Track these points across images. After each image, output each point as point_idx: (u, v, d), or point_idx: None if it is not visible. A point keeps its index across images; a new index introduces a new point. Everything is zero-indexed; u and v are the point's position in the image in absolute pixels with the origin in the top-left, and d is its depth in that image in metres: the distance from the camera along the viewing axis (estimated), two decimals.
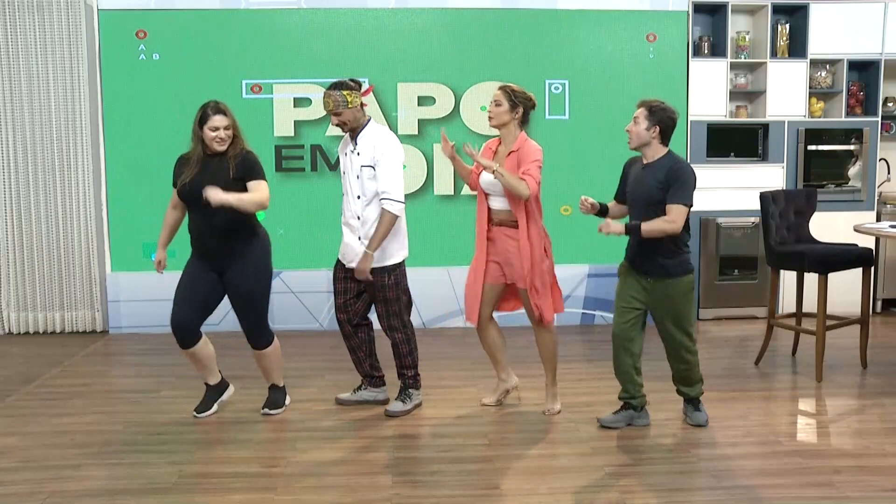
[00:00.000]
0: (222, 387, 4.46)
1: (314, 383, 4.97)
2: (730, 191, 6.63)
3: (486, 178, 4.18)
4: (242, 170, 4.06)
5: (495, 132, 4.28)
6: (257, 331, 4.25)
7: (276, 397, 4.45)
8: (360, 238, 4.25)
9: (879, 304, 6.92)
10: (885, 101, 6.88)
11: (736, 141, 6.65)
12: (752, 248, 6.60)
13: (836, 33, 6.57)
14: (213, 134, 4.00)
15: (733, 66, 6.67)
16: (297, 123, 6.32)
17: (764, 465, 3.68)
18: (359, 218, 4.24)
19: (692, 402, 4.20)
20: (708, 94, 6.54)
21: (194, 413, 4.35)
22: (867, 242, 6.21)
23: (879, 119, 6.70)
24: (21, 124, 6.19)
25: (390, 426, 4.22)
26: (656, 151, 3.91)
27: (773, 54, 6.64)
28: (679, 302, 3.97)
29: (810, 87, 6.68)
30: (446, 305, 6.46)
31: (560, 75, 6.43)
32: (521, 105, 4.13)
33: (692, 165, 6.41)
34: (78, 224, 6.29)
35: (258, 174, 4.12)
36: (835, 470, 3.61)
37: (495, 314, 4.42)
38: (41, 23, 6.13)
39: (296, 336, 6.18)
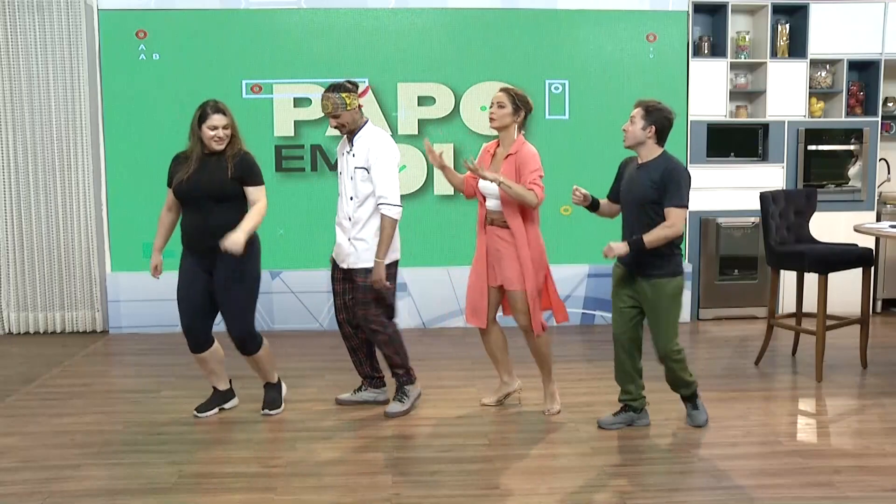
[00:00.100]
0: (228, 395, 4.46)
1: (314, 383, 4.97)
2: (730, 191, 6.63)
3: (483, 182, 4.18)
4: (241, 171, 4.06)
5: (495, 133, 4.28)
6: (247, 337, 4.19)
7: (272, 396, 4.44)
8: (349, 239, 4.24)
9: (879, 304, 6.92)
10: (885, 101, 6.88)
11: (736, 141, 6.65)
12: (752, 248, 6.60)
13: (836, 33, 6.57)
14: (212, 133, 4.00)
15: (733, 66, 6.67)
16: (297, 123, 6.32)
17: (764, 465, 3.68)
18: (350, 219, 4.24)
19: (690, 401, 4.19)
20: (708, 94, 6.54)
21: (195, 412, 4.35)
22: (867, 242, 6.21)
23: (879, 119, 6.70)
24: (21, 124, 6.19)
25: (390, 426, 4.22)
26: (652, 151, 3.90)
27: (773, 54, 6.64)
28: (666, 303, 3.92)
29: (810, 87, 6.68)
30: (446, 305, 6.46)
31: (560, 75, 6.43)
32: (523, 109, 4.15)
33: (692, 165, 6.53)
34: (78, 224, 6.29)
35: (258, 178, 4.14)
36: (835, 470, 3.61)
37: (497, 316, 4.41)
38: (41, 23, 6.13)
39: (296, 336, 6.18)
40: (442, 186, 6.40)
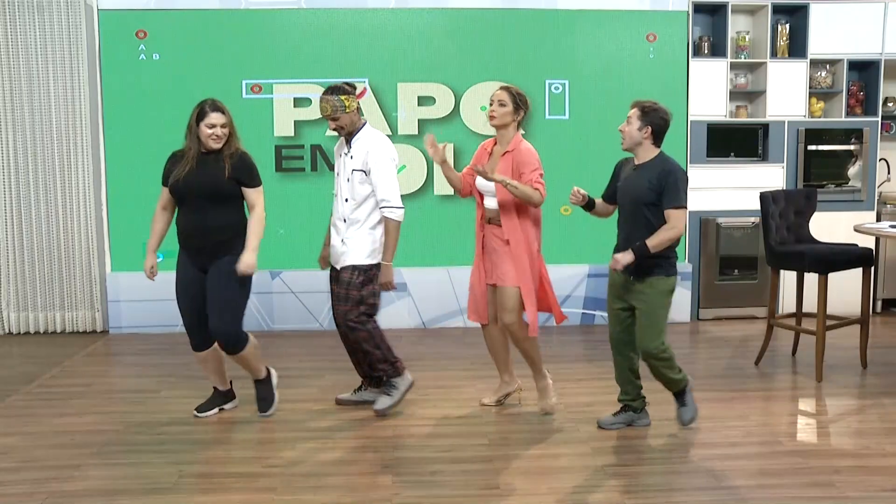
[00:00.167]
0: (229, 396, 4.46)
1: (314, 383, 4.97)
2: (730, 191, 6.63)
3: (480, 179, 4.19)
4: (239, 172, 4.07)
5: (494, 132, 4.28)
6: (232, 334, 4.10)
7: (264, 393, 4.37)
8: (342, 240, 4.24)
9: (879, 304, 6.93)
10: (885, 101, 6.88)
11: (736, 141, 6.65)
12: (752, 248, 6.60)
13: (836, 33, 6.57)
14: (210, 131, 4.00)
15: (733, 66, 6.67)
16: (297, 123, 6.32)
17: (764, 465, 3.68)
18: (345, 221, 4.24)
19: (678, 397, 4.13)
20: (708, 94, 6.54)
21: (195, 412, 4.34)
22: (867, 242, 6.21)
23: (879, 119, 6.70)
24: (21, 124, 6.19)
25: (390, 426, 4.22)
26: (648, 152, 3.90)
27: (773, 54, 6.64)
28: (657, 300, 3.88)
29: (810, 87, 6.68)
30: (446, 305, 6.46)
31: (560, 75, 6.43)
32: (523, 108, 4.15)
33: (692, 165, 6.53)
34: (78, 224, 6.29)
35: (256, 180, 4.15)
36: (835, 470, 3.61)
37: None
38: (41, 23, 6.13)
39: (296, 336, 6.18)
40: (442, 186, 6.40)
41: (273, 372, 4.47)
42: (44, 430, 4.17)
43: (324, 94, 4.18)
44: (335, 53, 6.30)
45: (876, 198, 6.77)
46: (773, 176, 6.65)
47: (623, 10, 6.42)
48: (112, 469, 3.68)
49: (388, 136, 6.25)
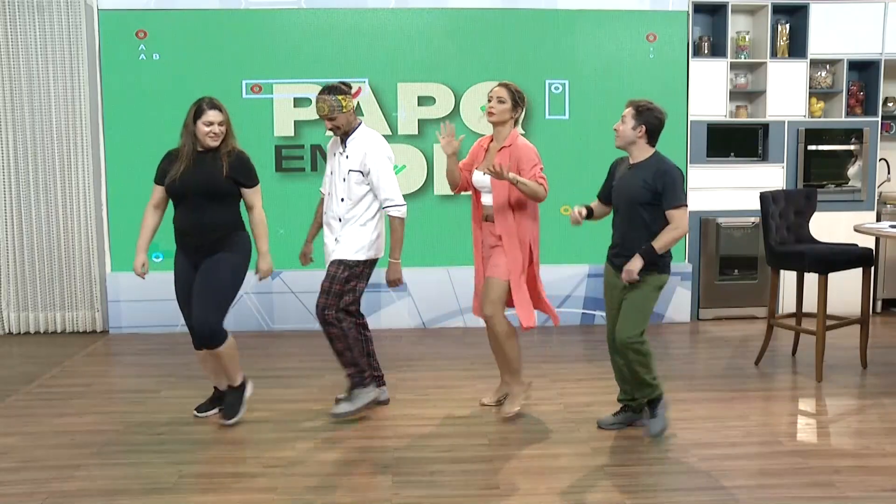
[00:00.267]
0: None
1: (314, 383, 4.97)
2: (730, 191, 6.63)
3: (477, 176, 4.19)
4: (238, 172, 4.07)
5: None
6: (212, 327, 4.00)
7: (233, 400, 4.24)
8: (336, 239, 4.24)
9: (879, 304, 6.92)
10: (885, 101, 6.88)
11: (736, 141, 6.65)
12: (752, 248, 6.60)
13: (836, 33, 6.57)
14: (207, 129, 3.99)
15: (733, 66, 6.67)
16: (297, 123, 6.32)
17: (764, 465, 3.68)
18: (340, 220, 4.24)
19: (650, 406, 4.01)
20: (708, 94, 6.54)
21: (195, 412, 4.34)
22: (867, 242, 6.21)
23: (879, 119, 6.70)
24: (21, 124, 6.19)
25: (390, 426, 4.22)
26: (643, 152, 3.89)
27: (773, 54, 6.64)
28: (645, 292, 3.85)
29: (810, 87, 6.68)
30: (446, 305, 6.46)
31: (560, 75, 6.43)
32: (521, 105, 4.16)
33: (692, 165, 6.53)
34: (78, 224, 6.29)
35: (254, 179, 4.17)
36: (835, 470, 3.61)
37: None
38: (41, 23, 6.13)
39: (296, 336, 6.18)
40: (442, 187, 6.40)
41: (249, 385, 4.37)
42: (44, 430, 4.17)
43: (320, 93, 4.17)
44: (335, 53, 6.30)
45: (876, 198, 6.77)
46: (773, 176, 6.65)
47: (623, 10, 6.42)
48: (112, 469, 3.68)
49: (388, 136, 6.31)
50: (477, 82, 6.34)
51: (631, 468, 3.66)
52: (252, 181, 4.15)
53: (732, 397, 4.65)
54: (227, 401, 4.25)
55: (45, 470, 3.66)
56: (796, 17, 6.68)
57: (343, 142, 4.24)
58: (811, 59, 6.60)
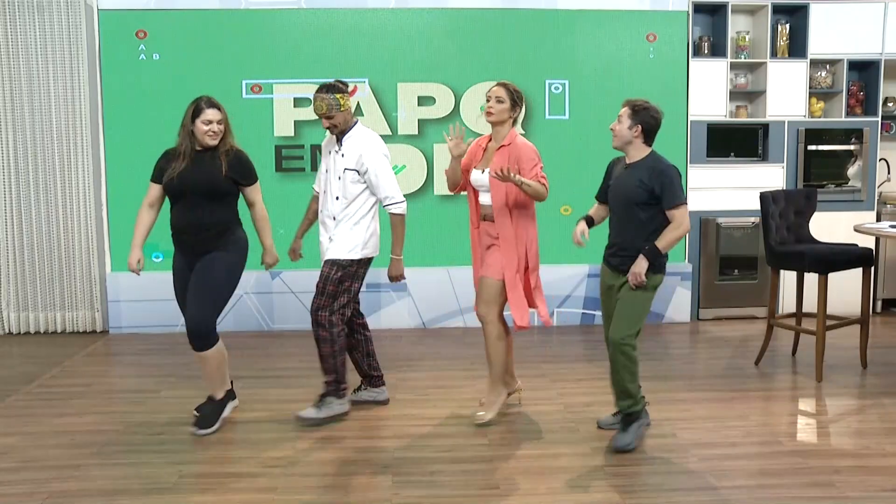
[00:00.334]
0: (229, 396, 4.45)
1: (314, 383, 4.95)
2: (730, 191, 6.63)
3: (475, 175, 4.18)
4: (237, 171, 4.07)
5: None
6: (203, 327, 3.97)
7: (210, 412, 4.16)
8: (330, 238, 4.24)
9: (879, 304, 6.92)
10: (885, 101, 6.89)
11: (736, 141, 6.65)
12: (752, 248, 6.60)
13: (836, 33, 6.58)
14: (206, 128, 3.99)
15: (733, 66, 6.67)
16: (297, 123, 6.32)
17: (764, 465, 3.68)
18: (334, 219, 4.23)
19: (624, 420, 3.93)
20: (708, 94, 6.54)
21: (195, 412, 4.33)
22: (867, 242, 6.22)
23: (879, 119, 6.71)
24: (21, 124, 6.19)
25: (390, 426, 4.22)
26: (639, 151, 3.88)
27: (773, 54, 6.65)
28: (638, 294, 3.82)
29: (810, 87, 6.68)
30: (446, 305, 6.46)
31: (560, 75, 6.43)
32: (519, 105, 4.15)
33: (692, 165, 6.53)
34: (78, 224, 6.29)
35: (253, 176, 4.17)
36: (835, 470, 3.61)
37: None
38: (41, 23, 6.13)
39: (296, 336, 6.18)
40: (442, 187, 6.40)
41: (230, 405, 4.31)
42: (44, 430, 4.17)
43: (318, 92, 4.15)
44: (335, 53, 6.30)
45: (876, 198, 6.77)
46: (773, 176, 6.65)
47: (623, 10, 6.42)
48: (112, 469, 3.68)
49: (388, 136, 6.31)
50: (477, 82, 6.34)
51: (631, 468, 3.66)
52: (251, 179, 4.16)
53: (732, 397, 4.65)
54: (204, 410, 4.17)
55: (45, 470, 3.66)
56: (796, 17, 6.68)
57: (339, 140, 4.23)
58: (811, 59, 6.60)
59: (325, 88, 4.15)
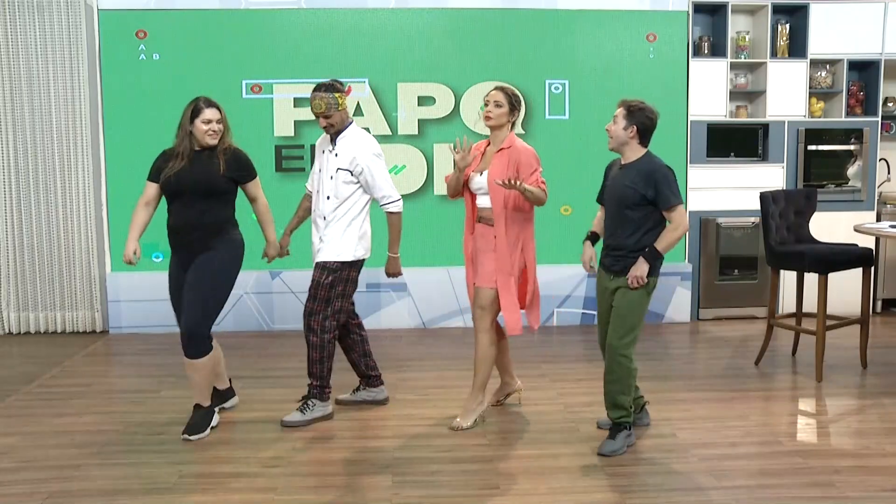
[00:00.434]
0: (228, 394, 4.45)
1: None
2: (730, 191, 6.63)
3: (474, 179, 4.17)
4: (235, 169, 4.06)
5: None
6: (196, 333, 3.95)
7: (199, 421, 4.10)
8: (321, 238, 4.23)
9: (879, 304, 6.92)
10: (885, 101, 6.88)
11: (736, 141, 6.65)
12: (752, 248, 6.60)
13: (836, 33, 6.58)
14: (206, 127, 3.99)
15: (733, 66, 6.67)
16: (297, 123, 6.32)
17: (764, 465, 3.68)
18: (325, 218, 4.22)
19: (613, 429, 3.87)
20: (708, 94, 6.54)
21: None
22: (867, 242, 6.22)
23: (879, 119, 6.71)
24: (21, 124, 6.19)
25: (390, 426, 4.22)
26: (635, 152, 3.85)
27: (773, 54, 6.65)
28: (634, 299, 3.79)
29: (810, 87, 6.68)
30: (446, 305, 6.46)
31: (560, 75, 6.43)
32: (517, 108, 4.15)
33: (692, 165, 6.53)
34: (78, 224, 6.29)
35: (252, 173, 4.17)
36: (835, 470, 3.61)
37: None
38: (41, 23, 6.14)
39: (296, 336, 6.16)
40: (442, 186, 6.39)
41: (216, 416, 4.24)
42: (44, 430, 4.17)
43: (316, 91, 4.14)
44: (335, 53, 6.30)
45: (876, 198, 6.77)
46: (773, 176, 6.65)
47: (623, 10, 6.42)
48: (112, 469, 3.68)
49: (388, 136, 6.32)
50: (477, 82, 6.34)
51: (631, 468, 3.66)
52: (250, 175, 4.14)
53: (732, 397, 4.65)
54: (193, 419, 4.12)
55: (45, 470, 3.66)
56: (796, 17, 6.68)
57: (333, 140, 4.23)
58: (811, 59, 6.60)
59: (323, 87, 4.14)
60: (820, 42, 6.58)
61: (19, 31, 6.13)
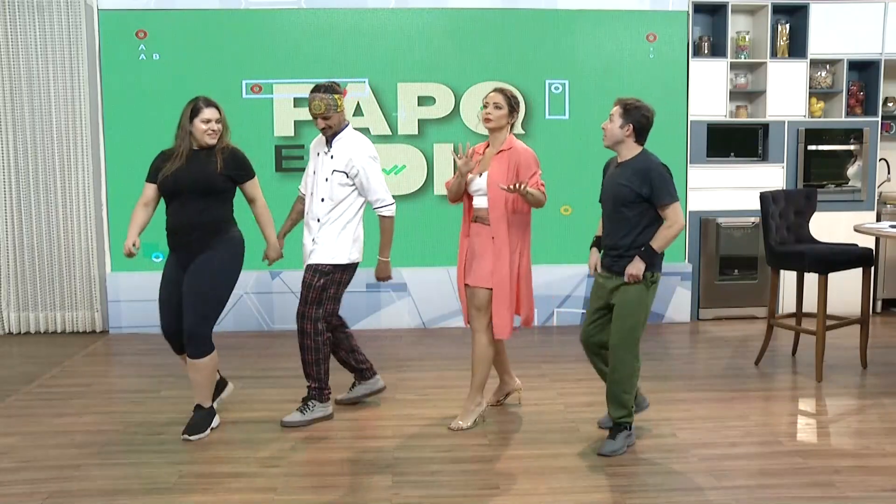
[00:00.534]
0: (221, 385, 4.44)
1: None
2: (730, 191, 6.63)
3: (473, 180, 4.16)
4: (233, 167, 4.06)
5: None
6: (198, 333, 3.96)
7: (198, 420, 4.10)
8: (313, 240, 4.22)
9: (879, 304, 6.92)
10: (885, 101, 6.88)
11: (736, 141, 6.65)
12: (752, 248, 6.60)
13: (836, 33, 6.58)
14: (206, 126, 3.99)
15: (733, 66, 6.67)
16: (297, 123, 6.32)
17: (764, 465, 3.68)
18: (319, 220, 4.20)
19: (612, 431, 3.87)
20: (708, 94, 6.54)
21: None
22: (867, 242, 6.21)
23: (879, 119, 6.70)
24: (21, 124, 6.19)
25: (390, 426, 4.22)
26: (631, 150, 3.85)
27: (773, 54, 6.65)
28: (635, 298, 3.78)
29: (810, 87, 6.68)
30: (446, 305, 6.46)
31: (560, 75, 6.44)
32: (516, 110, 4.14)
33: (692, 165, 6.53)
34: (78, 224, 6.29)
35: (250, 172, 4.16)
36: (835, 470, 3.61)
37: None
38: (41, 23, 6.14)
39: (296, 336, 6.16)
40: (442, 186, 6.39)
41: (216, 418, 4.23)
42: (44, 430, 4.17)
43: (315, 92, 4.13)
44: (335, 53, 6.30)
45: (876, 198, 6.77)
46: (773, 176, 6.65)
47: (623, 10, 6.42)
48: (112, 469, 3.68)
49: (388, 136, 6.32)
50: (477, 82, 6.34)
51: (631, 468, 3.66)
52: (248, 174, 4.14)
53: (732, 397, 4.65)
54: (194, 419, 4.12)
55: (45, 470, 3.66)
56: (796, 17, 6.68)
57: (329, 142, 4.22)
58: (811, 59, 6.60)
59: (322, 89, 4.14)
60: (820, 42, 6.58)
61: (19, 31, 6.13)
